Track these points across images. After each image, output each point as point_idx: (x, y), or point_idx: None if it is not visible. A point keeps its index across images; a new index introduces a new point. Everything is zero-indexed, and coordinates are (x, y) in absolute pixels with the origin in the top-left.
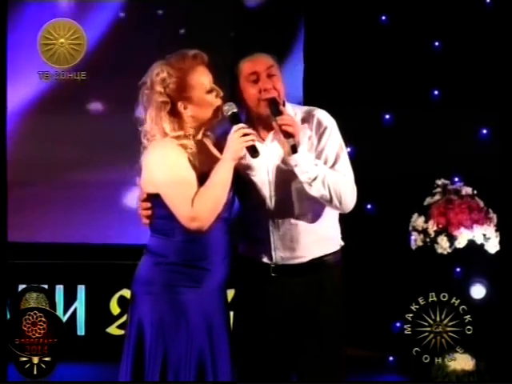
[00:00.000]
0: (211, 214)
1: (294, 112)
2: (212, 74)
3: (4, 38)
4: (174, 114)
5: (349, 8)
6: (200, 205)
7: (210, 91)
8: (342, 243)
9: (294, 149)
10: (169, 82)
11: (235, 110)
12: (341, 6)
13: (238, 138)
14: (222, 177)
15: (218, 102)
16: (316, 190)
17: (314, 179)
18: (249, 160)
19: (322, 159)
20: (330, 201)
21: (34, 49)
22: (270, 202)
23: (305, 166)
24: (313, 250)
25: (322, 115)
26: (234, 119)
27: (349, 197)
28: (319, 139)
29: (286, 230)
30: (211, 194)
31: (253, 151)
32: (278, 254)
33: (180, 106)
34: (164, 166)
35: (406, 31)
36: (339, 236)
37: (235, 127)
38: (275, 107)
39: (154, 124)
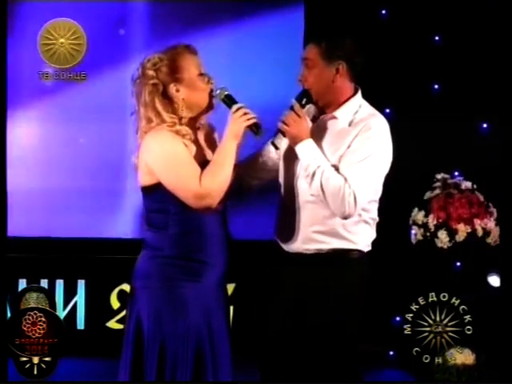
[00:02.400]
0: (220, 190)
1: (355, 110)
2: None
3: (4, 38)
4: (167, 97)
5: (349, 2)
6: (209, 182)
7: (200, 75)
8: (358, 246)
9: (273, 145)
10: (160, 65)
11: (227, 92)
12: (341, 1)
13: (238, 117)
14: (226, 155)
15: (210, 87)
16: (310, 186)
17: (308, 175)
18: (281, 150)
19: (339, 159)
20: (323, 201)
21: (34, 49)
22: (291, 190)
23: (304, 160)
24: (321, 242)
25: (374, 122)
26: (230, 100)
27: (338, 201)
28: (353, 140)
29: (299, 218)
30: (218, 171)
31: (256, 129)
32: (287, 238)
33: (172, 88)
34: (163, 151)
35: (406, 25)
36: (357, 237)
37: (234, 107)
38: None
39: (150, 109)
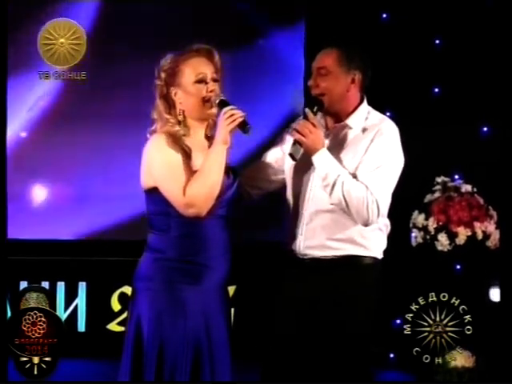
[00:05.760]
0: (206, 199)
1: (365, 116)
2: (216, 69)
3: (4, 38)
4: (169, 100)
5: (350, 6)
6: (194, 191)
7: (198, 81)
8: (372, 253)
9: (291, 156)
10: (166, 68)
11: (223, 98)
12: (342, 4)
13: (224, 120)
14: (214, 161)
15: (209, 95)
16: (330, 196)
17: (328, 185)
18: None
19: (356, 166)
20: (345, 210)
21: (34, 49)
22: (304, 199)
23: (321, 170)
24: (337, 249)
25: (386, 127)
26: (223, 106)
27: (362, 209)
28: (369, 147)
29: (315, 227)
30: (204, 178)
31: (243, 126)
32: (302, 245)
33: (172, 91)
34: (158, 158)
35: (407, 29)
36: (372, 244)
37: (223, 110)
38: (315, 106)
39: (155, 111)
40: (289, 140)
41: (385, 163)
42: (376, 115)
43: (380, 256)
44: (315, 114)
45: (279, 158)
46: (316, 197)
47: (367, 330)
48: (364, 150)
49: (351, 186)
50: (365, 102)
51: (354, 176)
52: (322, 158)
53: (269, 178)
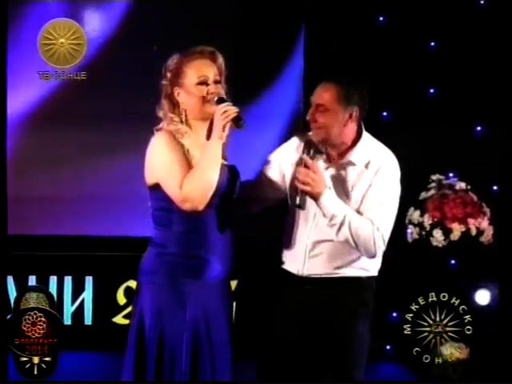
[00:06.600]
0: (202, 194)
1: (367, 150)
2: (219, 72)
3: (4, 38)
4: (173, 99)
5: (347, 9)
6: (189, 186)
7: (200, 83)
8: (371, 273)
9: (299, 207)
10: (171, 69)
11: (220, 96)
12: (339, 7)
13: (220, 115)
14: (210, 157)
15: (209, 97)
16: (337, 235)
17: (335, 225)
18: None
19: (361, 200)
20: (353, 246)
21: (34, 49)
22: (307, 223)
23: (327, 212)
24: (338, 273)
25: (387, 162)
26: (220, 103)
27: (370, 246)
28: (372, 182)
29: (314, 251)
30: (200, 174)
31: (237, 121)
32: (305, 272)
33: (175, 91)
34: (159, 153)
35: (403, 32)
36: (372, 265)
37: (218, 107)
38: (310, 150)
39: (161, 109)
40: (287, 149)
41: (388, 198)
42: (376, 148)
43: (376, 274)
44: (313, 158)
45: (279, 179)
46: (319, 225)
47: (366, 339)
48: (367, 185)
49: (358, 224)
50: (364, 133)
51: (358, 211)
52: (327, 201)
53: (269, 196)
